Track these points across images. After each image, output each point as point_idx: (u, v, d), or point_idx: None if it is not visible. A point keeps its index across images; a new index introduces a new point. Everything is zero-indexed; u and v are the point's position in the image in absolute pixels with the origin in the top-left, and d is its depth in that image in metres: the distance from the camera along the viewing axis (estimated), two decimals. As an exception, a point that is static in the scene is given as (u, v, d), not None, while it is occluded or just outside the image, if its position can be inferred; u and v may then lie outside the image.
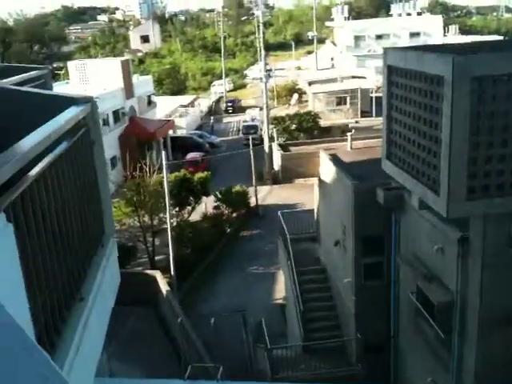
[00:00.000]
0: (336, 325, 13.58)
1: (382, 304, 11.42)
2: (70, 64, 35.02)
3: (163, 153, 18.86)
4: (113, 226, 4.60)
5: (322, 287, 14.33)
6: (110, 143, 28.65)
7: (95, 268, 3.81)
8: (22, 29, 55.41)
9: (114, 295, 4.26)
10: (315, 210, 16.11)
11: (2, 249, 2.09)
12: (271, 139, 29.27)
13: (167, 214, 18.50)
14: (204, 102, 53.57)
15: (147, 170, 21.03)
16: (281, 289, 18.15)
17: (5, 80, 6.34)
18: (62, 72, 42.57)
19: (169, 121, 37.14)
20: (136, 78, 36.44)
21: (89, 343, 3.23)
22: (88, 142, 4.22)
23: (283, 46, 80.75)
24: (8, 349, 0.94)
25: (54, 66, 56.78)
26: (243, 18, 76.53)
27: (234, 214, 24.78)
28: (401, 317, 11.14)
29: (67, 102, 4.20)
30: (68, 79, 35.68)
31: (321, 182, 14.52)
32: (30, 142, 2.93)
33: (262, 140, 33.22)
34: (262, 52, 33.51)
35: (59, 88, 28.48)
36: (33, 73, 7.93)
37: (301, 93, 46.12)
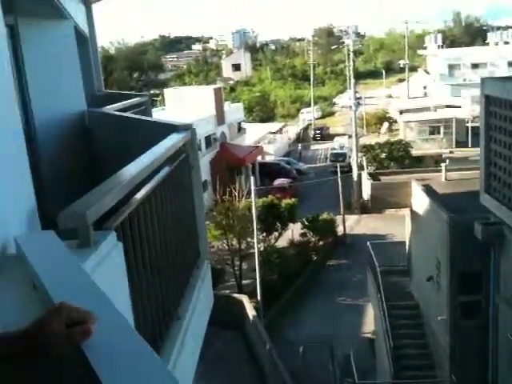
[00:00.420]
0: (429, 364, 12.94)
1: (479, 346, 10.73)
2: (167, 91, 36.78)
3: (252, 178, 19.20)
4: (206, 249, 4.73)
5: (414, 323, 13.78)
6: (201, 167, 29.35)
7: (191, 288, 3.92)
8: (123, 57, 58.94)
9: (207, 315, 4.36)
10: (407, 242, 15.61)
11: (114, 265, 2.22)
12: (360, 167, 28.91)
13: (255, 238, 18.71)
14: (292, 129, 54.06)
15: (236, 194, 21.49)
16: (370, 322, 17.66)
17: (110, 106, 6.79)
18: (159, 99, 44.74)
19: (258, 147, 37.79)
20: (227, 106, 37.52)
21: (185, 361, 3.32)
22: (187, 167, 4.40)
23: (373, 74, 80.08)
24: (133, 355, 1.01)
25: (151, 92, 59.84)
26: (333, 47, 76.83)
27: (321, 242, 24.54)
28: (500, 363, 10.38)
29: (169, 129, 4.42)
30: (164, 106, 37.40)
31: (413, 213, 14.08)
32: (136, 167, 3.10)
33: (350, 168, 32.90)
34: (352, 80, 33.46)
35: (156, 114, 29.94)
36: (135, 99, 8.42)
37: (391, 121, 45.36)
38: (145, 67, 61.43)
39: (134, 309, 2.56)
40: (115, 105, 6.98)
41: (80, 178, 5.42)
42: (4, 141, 2.19)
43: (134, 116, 5.61)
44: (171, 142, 3.97)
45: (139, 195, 2.99)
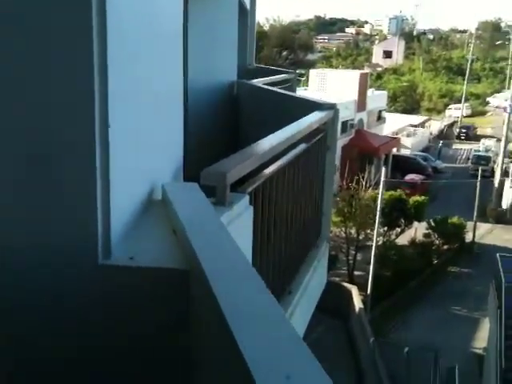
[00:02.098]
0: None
1: None
2: (312, 72, 36.79)
3: (383, 169, 18.74)
4: (328, 230, 4.76)
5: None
6: (334, 152, 29.31)
7: (307, 266, 4.00)
8: (276, 34, 59.63)
9: (318, 296, 4.42)
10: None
11: (244, 226, 2.34)
12: (504, 174, 26.90)
13: (375, 231, 18.33)
14: (436, 125, 51.50)
15: (363, 183, 21.11)
16: (482, 337, 16.63)
17: (259, 79, 7.00)
18: (303, 78, 44.93)
19: (395, 138, 36.60)
20: (371, 92, 36.67)
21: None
22: (324, 146, 4.44)
23: (538, 77, 73.29)
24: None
25: (297, 71, 60.09)
26: (497, 42, 71.41)
27: (445, 247, 23.38)
28: None
29: (314, 106, 4.47)
30: (307, 86, 37.50)
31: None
32: (276, 139, 3.21)
33: (492, 173, 30.74)
34: (512, 81, 30.94)
35: (298, 93, 30.14)
36: (282, 76, 8.60)
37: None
38: (295, 46, 61.75)
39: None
40: (263, 79, 7.19)
41: (223, 142, 5.69)
42: (170, 95, 2.41)
43: (278, 90, 5.75)
44: (313, 119, 4.02)
45: (274, 166, 3.10)
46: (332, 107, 4.45)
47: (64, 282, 1.49)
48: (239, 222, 2.32)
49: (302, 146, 3.74)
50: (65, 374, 1.55)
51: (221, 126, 6.45)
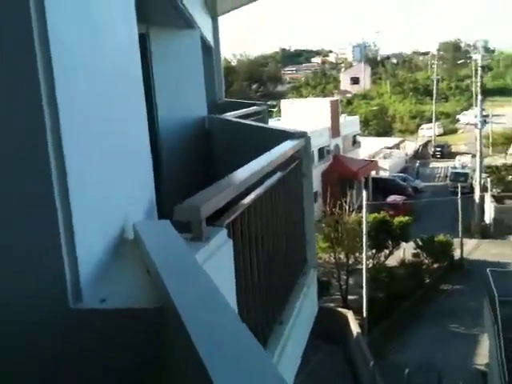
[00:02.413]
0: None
1: None
2: (283, 102, 37.32)
3: (364, 192, 18.86)
4: (314, 257, 4.70)
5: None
6: (313, 178, 29.52)
7: (296, 294, 3.92)
8: (244, 68, 60.69)
9: (310, 324, 4.33)
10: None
11: (224, 261, 2.27)
12: (483, 189, 27.23)
13: (363, 254, 18.31)
14: (410, 146, 52.33)
15: (346, 208, 21.19)
16: (483, 353, 16.51)
17: (229, 113, 7.04)
18: (275, 109, 45.55)
19: (372, 161, 37.04)
20: (343, 118, 37.25)
21: (284, 367, 3.31)
22: (300, 174, 4.42)
23: (503, 92, 75.14)
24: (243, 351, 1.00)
25: (268, 103, 60.91)
26: (459, 62, 73.45)
27: (435, 265, 23.36)
28: None
29: (285, 135, 4.48)
30: (280, 116, 37.96)
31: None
32: (250, 169, 3.18)
33: (471, 189, 31.12)
34: (479, 97, 31.73)
35: (272, 124, 30.47)
36: (253, 108, 8.67)
37: (520, 142, 42.35)
38: (264, 79, 62.84)
39: (239, 308, 2.61)
40: (234, 112, 7.22)
41: (198, 175, 5.66)
42: (134, 134, 2.38)
43: (250, 122, 5.76)
44: (285, 148, 4.01)
45: (251, 197, 3.06)
46: (303, 135, 4.46)
47: (37, 326, 1.44)
48: (218, 257, 2.26)
49: (278, 175, 3.71)
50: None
51: (194, 159, 6.44)
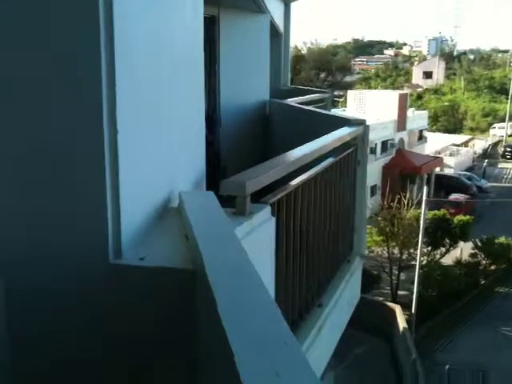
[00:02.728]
0: None
1: None
2: (350, 93, 36.71)
3: (425, 188, 18.42)
4: (362, 245, 4.69)
5: None
6: (373, 171, 29.12)
7: (338, 280, 3.95)
8: (313, 57, 59.90)
9: (350, 311, 4.35)
10: None
11: (264, 237, 2.34)
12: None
13: (418, 250, 17.94)
14: (479, 144, 50.37)
15: (405, 203, 20.77)
16: (538, 359, 15.89)
17: (293, 99, 7.07)
18: (341, 100, 44.95)
19: (437, 158, 35.95)
20: (411, 112, 36.28)
21: (318, 351, 3.36)
22: (354, 160, 4.42)
23: None
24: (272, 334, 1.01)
25: (335, 93, 60.15)
26: (541, 60, 69.64)
27: (493, 267, 22.62)
28: None
29: (343, 122, 4.48)
30: (345, 107, 37.42)
31: None
32: (301, 151, 3.22)
33: (540, 193, 29.70)
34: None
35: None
36: (315, 95, 8.65)
37: None
38: (333, 68, 61.92)
39: (277, 285, 2.67)
40: (296, 98, 7.25)
41: (255, 156, 5.75)
42: (188, 109, 2.50)
43: (308, 107, 5.77)
44: (340, 134, 4.02)
45: (300, 178, 3.10)
46: (361, 123, 4.44)
47: (77, 280, 1.54)
48: (260, 232, 2.32)
49: (330, 160, 3.74)
50: (78, 372, 1.58)
51: (253, 141, 6.53)
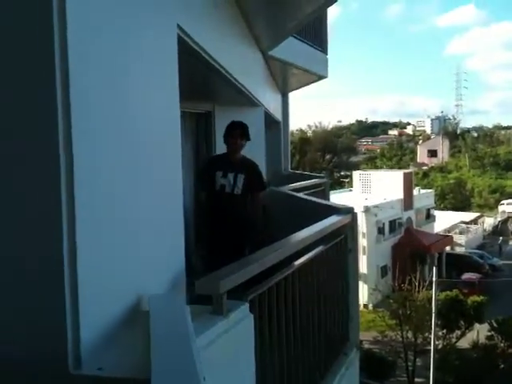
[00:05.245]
0: None
1: None
2: (355, 173, 37.22)
3: (434, 269, 18.16)
4: (358, 336, 4.58)
5: None
6: (382, 252, 28.92)
7: (332, 375, 3.81)
8: (318, 139, 61.31)
9: (348, 408, 4.16)
10: None
11: (242, 335, 2.31)
12: None
13: (432, 334, 17.39)
14: (489, 221, 50.16)
15: (417, 283, 20.41)
16: None
17: (290, 185, 7.20)
18: (347, 180, 45.48)
19: (447, 236, 35.72)
20: (417, 191, 36.51)
21: None
22: (345, 249, 4.41)
23: None
24: None
25: (341, 174, 60.97)
26: (544, 137, 70.73)
27: (511, 350, 21.72)
28: None
29: (331, 210, 4.52)
30: (351, 187, 37.78)
31: None
32: (291, 240, 3.24)
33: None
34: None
35: (342, 194, 30.46)
36: (313, 180, 8.80)
37: None
38: (338, 150, 63.25)
39: (258, 382, 2.58)
40: (293, 184, 7.37)
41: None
42: (167, 217, 2.58)
43: (298, 195, 5.85)
44: (327, 223, 4.04)
45: (285, 271, 3.08)
46: (349, 211, 4.47)
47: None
48: (237, 331, 2.30)
49: (319, 249, 3.74)
50: None
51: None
